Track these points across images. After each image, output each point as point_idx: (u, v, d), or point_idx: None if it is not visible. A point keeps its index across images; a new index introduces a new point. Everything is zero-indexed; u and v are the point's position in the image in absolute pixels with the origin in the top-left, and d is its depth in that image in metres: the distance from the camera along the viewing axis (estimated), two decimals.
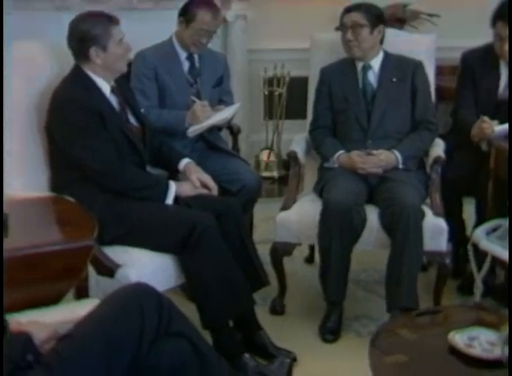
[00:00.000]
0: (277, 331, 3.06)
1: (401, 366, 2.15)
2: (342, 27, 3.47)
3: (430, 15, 4.94)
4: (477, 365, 2.13)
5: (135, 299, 2.07)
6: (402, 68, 3.51)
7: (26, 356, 1.88)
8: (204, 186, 3.15)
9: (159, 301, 2.09)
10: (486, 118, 3.45)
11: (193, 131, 3.53)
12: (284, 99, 5.01)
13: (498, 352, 2.11)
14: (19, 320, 2.05)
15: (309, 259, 3.86)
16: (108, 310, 2.06)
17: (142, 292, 2.12)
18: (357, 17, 3.42)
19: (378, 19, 3.48)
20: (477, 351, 2.16)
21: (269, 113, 5.05)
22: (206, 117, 3.55)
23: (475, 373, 2.15)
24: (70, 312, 2.23)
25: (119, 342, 1.97)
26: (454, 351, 2.17)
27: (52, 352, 1.94)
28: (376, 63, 3.50)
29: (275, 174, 4.99)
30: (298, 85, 4.70)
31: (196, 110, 3.51)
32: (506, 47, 3.49)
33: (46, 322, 2.08)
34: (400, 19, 4.78)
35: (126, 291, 2.14)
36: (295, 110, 4.82)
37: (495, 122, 3.44)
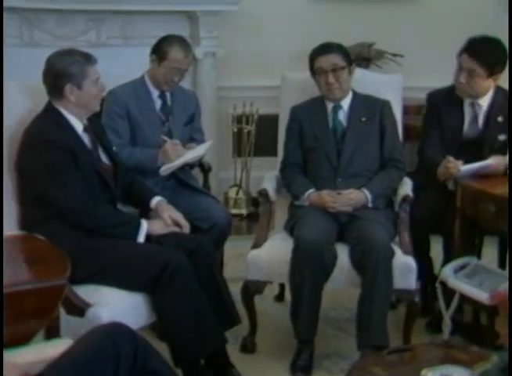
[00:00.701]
0: (248, 370, 3.06)
1: None
2: (320, 71, 3.46)
3: (394, 54, 4.99)
4: None
5: (110, 338, 2.07)
6: (370, 108, 3.55)
7: None
8: (176, 223, 3.15)
9: (134, 339, 2.10)
10: (451, 158, 3.48)
11: (166, 169, 3.53)
12: (253, 136, 5.03)
13: None
14: None
15: (279, 297, 3.85)
16: (81, 350, 2.05)
17: (116, 331, 2.12)
18: (336, 60, 3.44)
19: (350, 58, 3.52)
20: None
21: (238, 151, 5.06)
22: (177, 156, 3.55)
23: None
24: (40, 352, 2.20)
25: None
26: None
27: None
28: (345, 102, 3.54)
29: (243, 211, 5.00)
30: (267, 123, 4.76)
31: (167, 150, 3.52)
32: (461, 78, 3.55)
33: (17, 362, 2.05)
34: (366, 59, 4.83)
35: (100, 330, 2.14)
36: (264, 148, 4.87)
37: (460, 162, 3.46)
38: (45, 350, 2.22)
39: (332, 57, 3.45)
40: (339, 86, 3.46)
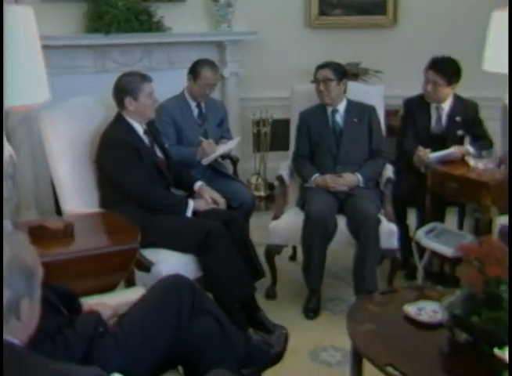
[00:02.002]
0: (271, 312, 3.08)
1: (371, 332, 2.21)
2: (316, 81, 3.51)
3: (376, 71, 4.93)
4: (425, 328, 2.21)
5: (175, 286, 2.11)
6: (360, 111, 3.54)
7: (98, 328, 1.93)
8: (214, 201, 3.19)
9: (192, 287, 2.14)
10: (421, 148, 3.54)
11: (206, 160, 3.59)
12: (268, 136, 4.99)
13: (440, 317, 2.18)
14: (89, 303, 2.09)
15: (293, 257, 3.85)
16: (155, 294, 2.09)
17: (179, 281, 2.15)
18: (327, 73, 3.46)
19: (343, 74, 3.52)
20: (424, 317, 2.24)
21: (257, 147, 5.03)
22: (212, 151, 3.59)
23: (424, 333, 2.20)
24: (123, 296, 2.29)
25: (165, 317, 2.02)
26: (407, 319, 2.25)
27: (115, 325, 1.99)
28: (341, 107, 3.53)
29: (262, 193, 4.96)
30: (280, 125, 4.76)
31: (204, 147, 3.56)
32: (428, 88, 3.59)
33: (108, 303, 2.11)
34: (354, 74, 4.80)
35: (167, 279, 2.17)
36: (277, 144, 4.83)
37: (428, 151, 3.52)
38: (126, 295, 2.30)
39: (325, 71, 3.47)
40: (327, 94, 3.46)
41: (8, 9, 2.04)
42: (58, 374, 1.30)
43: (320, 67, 3.51)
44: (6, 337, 1.36)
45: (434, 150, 3.56)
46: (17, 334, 1.39)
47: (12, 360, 1.32)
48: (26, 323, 1.41)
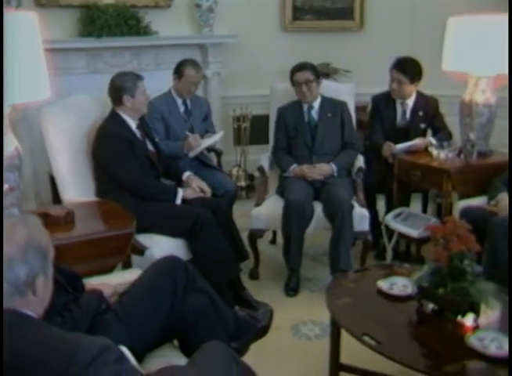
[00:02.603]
0: (254, 291, 3.09)
1: (347, 305, 2.26)
2: (296, 83, 3.50)
3: (345, 70, 4.96)
4: (396, 300, 2.26)
5: (170, 266, 2.11)
6: (334, 107, 3.56)
7: (101, 305, 1.95)
8: (201, 190, 3.19)
9: (185, 267, 2.14)
10: (388, 142, 3.60)
11: (193, 152, 3.59)
12: (248, 130, 4.98)
13: (409, 290, 2.25)
14: (91, 283, 2.11)
15: (273, 241, 3.86)
16: (152, 274, 2.10)
17: (173, 261, 2.16)
18: (307, 75, 3.46)
19: (318, 74, 3.54)
20: (395, 291, 2.29)
21: (238, 141, 5.03)
22: (197, 145, 3.58)
23: (395, 305, 2.25)
24: (121, 277, 2.28)
25: (161, 295, 2.02)
26: (381, 293, 2.30)
27: (116, 303, 2.01)
28: (316, 103, 3.54)
29: (243, 183, 4.95)
30: (258, 121, 4.78)
31: (190, 141, 3.56)
32: (393, 86, 3.63)
33: (109, 283, 2.12)
34: (326, 74, 4.83)
35: (163, 261, 2.17)
36: (256, 139, 4.84)
37: (393, 145, 3.58)
38: (124, 276, 2.31)
39: (305, 73, 3.47)
40: (310, 93, 3.48)
41: (14, 14, 2.05)
42: (69, 343, 1.32)
43: (298, 69, 3.51)
44: (24, 309, 1.38)
45: (400, 141, 3.61)
46: (33, 307, 1.41)
47: (30, 330, 1.34)
48: (41, 298, 1.43)
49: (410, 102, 3.73)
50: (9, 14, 2.36)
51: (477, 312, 2.05)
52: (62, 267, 1.94)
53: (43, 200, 4.13)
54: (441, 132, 3.72)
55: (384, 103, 3.78)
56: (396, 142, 3.61)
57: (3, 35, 2.05)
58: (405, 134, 3.71)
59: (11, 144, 2.41)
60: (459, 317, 2.05)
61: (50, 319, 1.65)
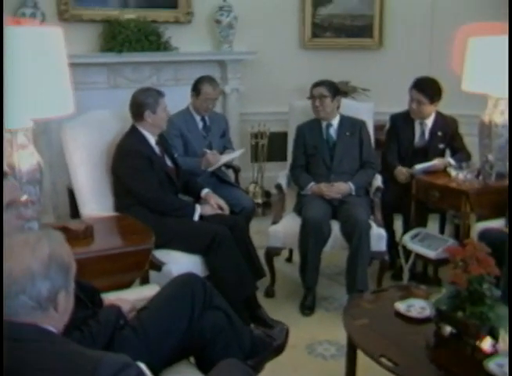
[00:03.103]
0: (270, 309, 3.08)
1: (365, 326, 2.26)
2: (312, 97, 3.54)
3: (364, 89, 4.98)
4: (414, 322, 2.26)
5: (188, 283, 2.12)
6: (352, 126, 3.57)
7: (119, 320, 1.96)
8: (219, 207, 3.21)
9: (203, 284, 2.15)
10: (400, 167, 3.60)
11: (211, 168, 3.62)
12: (265, 147, 5.00)
13: (427, 313, 2.25)
14: (109, 298, 2.11)
15: (289, 259, 3.85)
16: (170, 291, 2.11)
17: (191, 278, 2.17)
18: (322, 90, 3.49)
19: (336, 91, 3.55)
20: (413, 313, 2.29)
21: (255, 158, 5.03)
22: (216, 161, 3.60)
23: (413, 327, 2.25)
24: (139, 293, 2.30)
25: (179, 312, 2.03)
26: (398, 314, 2.30)
27: (135, 318, 2.01)
28: (335, 122, 3.56)
29: (259, 200, 4.95)
30: (276, 138, 4.80)
31: (208, 158, 3.59)
32: (413, 106, 3.61)
33: (127, 299, 2.13)
34: (344, 92, 4.81)
35: (181, 278, 2.18)
36: (274, 155, 4.86)
37: (404, 168, 3.58)
38: (142, 292, 2.31)
39: (320, 88, 3.50)
40: (323, 109, 3.49)
41: (40, 29, 2.10)
42: (91, 359, 1.33)
43: (316, 85, 3.54)
44: (45, 325, 1.40)
45: (418, 161, 3.60)
46: (54, 323, 1.43)
47: (51, 346, 1.36)
48: (62, 314, 1.45)
49: (429, 122, 3.72)
50: (36, 29, 2.42)
51: (495, 337, 2.04)
52: (81, 282, 1.96)
53: (61, 213, 4.18)
54: (460, 153, 3.71)
55: (402, 123, 3.78)
56: (414, 163, 3.61)
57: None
58: (424, 154, 3.70)
59: (32, 157, 2.45)
60: (477, 342, 2.04)
61: (69, 334, 1.66)
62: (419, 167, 3.57)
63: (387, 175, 3.69)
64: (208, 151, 3.63)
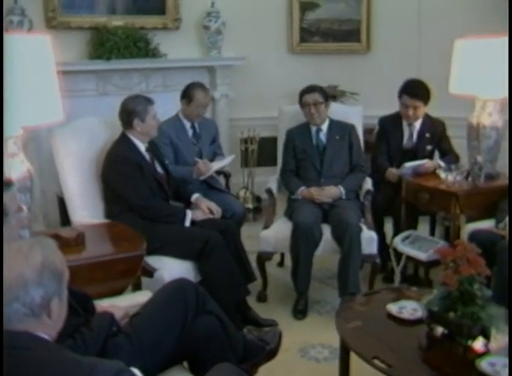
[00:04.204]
0: (263, 313, 3.08)
1: (357, 329, 2.26)
2: (304, 105, 3.53)
3: (352, 93, 4.99)
4: (406, 324, 2.27)
5: (181, 288, 2.13)
6: (342, 129, 3.59)
7: (112, 327, 1.96)
8: (210, 211, 3.20)
9: (196, 289, 2.16)
10: (391, 168, 3.64)
11: (203, 176, 3.62)
12: (255, 153, 5.00)
13: (419, 314, 2.26)
14: (102, 305, 2.11)
15: (280, 264, 3.85)
16: (163, 296, 2.12)
17: (184, 284, 2.17)
18: (317, 97, 3.50)
19: (327, 97, 3.58)
20: (405, 315, 2.30)
21: (245, 163, 5.03)
22: (207, 170, 3.60)
23: (405, 329, 2.26)
24: (132, 299, 2.30)
25: (172, 317, 2.04)
26: (390, 316, 2.31)
27: (127, 325, 2.02)
28: (324, 126, 3.57)
29: (250, 205, 4.94)
30: (266, 143, 4.82)
31: (200, 167, 3.58)
32: (409, 113, 3.63)
33: (119, 305, 2.14)
34: (333, 96, 4.81)
35: (174, 283, 2.19)
36: (263, 161, 4.87)
37: (395, 169, 3.62)
38: (134, 298, 2.32)
39: (314, 95, 3.50)
40: (318, 115, 3.51)
41: (27, 37, 2.11)
42: (85, 366, 1.34)
43: (307, 91, 3.54)
44: (38, 332, 1.40)
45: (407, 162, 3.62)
46: (47, 330, 1.43)
47: (45, 353, 1.36)
48: (55, 321, 1.45)
49: (417, 124, 3.75)
50: (23, 37, 2.43)
51: (487, 336, 2.06)
52: (73, 289, 1.96)
53: (51, 221, 4.16)
54: (449, 155, 3.74)
55: (391, 125, 3.80)
56: (402, 164, 3.63)
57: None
58: (412, 156, 3.73)
59: (23, 165, 2.45)
60: (469, 342, 2.06)
61: (62, 342, 1.66)
62: (408, 165, 3.60)
63: (378, 177, 3.71)
64: (199, 160, 3.62)
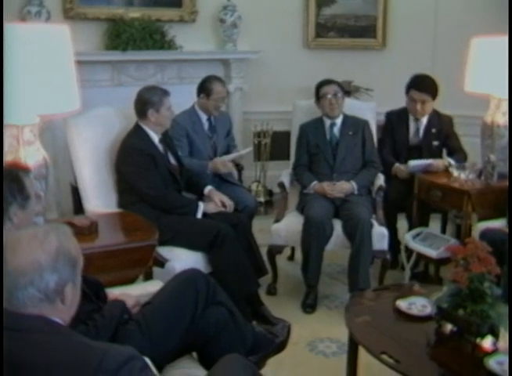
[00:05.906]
0: (272, 307, 3.08)
1: (366, 323, 2.27)
2: (323, 96, 3.51)
3: (366, 89, 4.99)
4: (415, 320, 2.27)
5: (191, 279, 2.14)
6: (355, 125, 3.58)
7: (123, 315, 1.98)
8: (223, 204, 3.21)
9: (207, 280, 2.17)
10: (398, 164, 3.64)
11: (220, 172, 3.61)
12: (268, 146, 5.01)
13: (428, 311, 2.27)
14: (114, 293, 2.13)
15: (291, 257, 3.86)
16: (174, 286, 2.13)
17: (195, 274, 2.18)
18: (336, 88, 3.51)
19: (343, 89, 3.59)
20: (414, 311, 2.30)
21: (258, 157, 5.03)
22: (225, 170, 3.60)
23: (414, 325, 2.25)
24: (143, 288, 2.31)
25: (182, 307, 2.06)
26: (399, 312, 2.31)
27: (139, 313, 2.04)
28: (338, 121, 3.56)
29: (262, 199, 4.95)
30: (279, 137, 4.83)
31: (218, 166, 3.57)
32: (418, 108, 3.62)
33: (131, 294, 2.15)
34: (347, 92, 4.82)
35: (185, 274, 2.19)
36: (276, 154, 4.88)
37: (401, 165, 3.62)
38: (146, 287, 2.33)
39: (333, 86, 3.51)
40: (338, 106, 3.51)
41: (47, 27, 2.13)
42: (97, 351, 1.35)
43: (325, 83, 3.55)
44: (52, 317, 1.42)
45: (413, 159, 3.62)
46: (61, 315, 1.45)
47: (58, 337, 1.39)
48: (69, 306, 1.47)
49: (424, 119, 3.73)
50: (42, 27, 2.45)
51: (496, 335, 2.05)
52: (86, 276, 1.98)
53: (64, 209, 4.20)
54: (458, 154, 3.71)
55: (397, 120, 3.79)
56: (408, 160, 3.62)
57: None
58: (418, 151, 3.72)
59: (39, 153, 2.48)
60: (478, 339, 2.06)
61: (74, 327, 1.69)
62: (413, 163, 3.59)
63: (388, 172, 3.69)
64: (219, 159, 3.61)
